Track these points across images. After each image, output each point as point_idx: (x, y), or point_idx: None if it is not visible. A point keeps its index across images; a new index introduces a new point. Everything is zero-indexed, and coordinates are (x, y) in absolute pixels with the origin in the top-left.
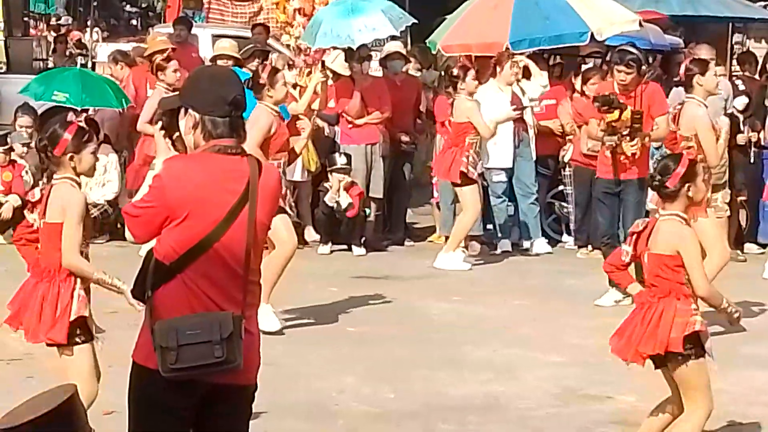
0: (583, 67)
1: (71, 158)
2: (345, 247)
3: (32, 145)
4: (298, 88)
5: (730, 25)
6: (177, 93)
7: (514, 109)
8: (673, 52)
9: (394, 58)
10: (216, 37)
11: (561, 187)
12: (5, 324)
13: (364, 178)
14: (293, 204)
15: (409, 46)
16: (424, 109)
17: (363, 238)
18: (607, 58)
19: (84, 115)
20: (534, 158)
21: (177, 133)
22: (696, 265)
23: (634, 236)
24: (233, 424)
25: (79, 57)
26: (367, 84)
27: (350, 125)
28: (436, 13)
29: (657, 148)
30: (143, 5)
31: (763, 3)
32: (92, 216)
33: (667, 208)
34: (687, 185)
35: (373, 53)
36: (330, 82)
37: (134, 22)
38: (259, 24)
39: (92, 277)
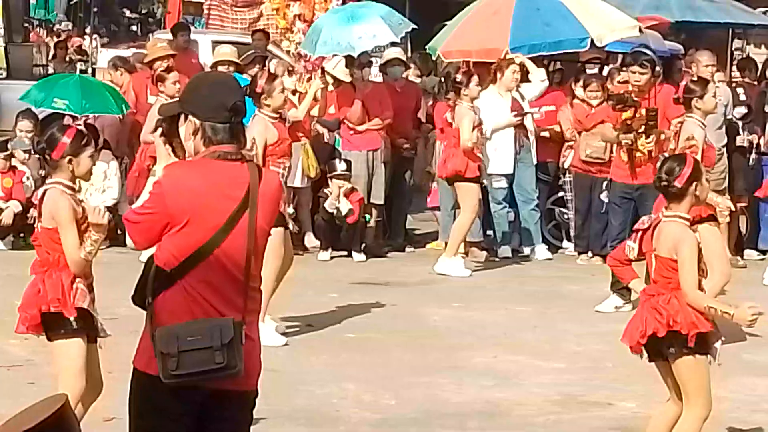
0: (585, 74)
1: (69, 161)
2: (345, 253)
3: (33, 150)
4: (297, 94)
5: (731, 31)
6: (177, 100)
7: (515, 115)
8: (674, 58)
9: (394, 64)
10: (216, 43)
11: (561, 194)
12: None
13: (365, 184)
14: (293, 212)
15: (409, 53)
16: (423, 115)
17: (363, 245)
18: (618, 62)
19: (83, 119)
20: (535, 164)
21: (177, 140)
22: (688, 267)
23: (639, 233)
24: (234, 430)
25: (79, 63)
26: (368, 90)
27: (351, 131)
28: (436, 20)
29: None
30: (143, 11)
31: (763, 9)
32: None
33: (671, 208)
34: (694, 184)
35: (373, 59)
36: (330, 88)
37: (134, 28)
38: (259, 30)
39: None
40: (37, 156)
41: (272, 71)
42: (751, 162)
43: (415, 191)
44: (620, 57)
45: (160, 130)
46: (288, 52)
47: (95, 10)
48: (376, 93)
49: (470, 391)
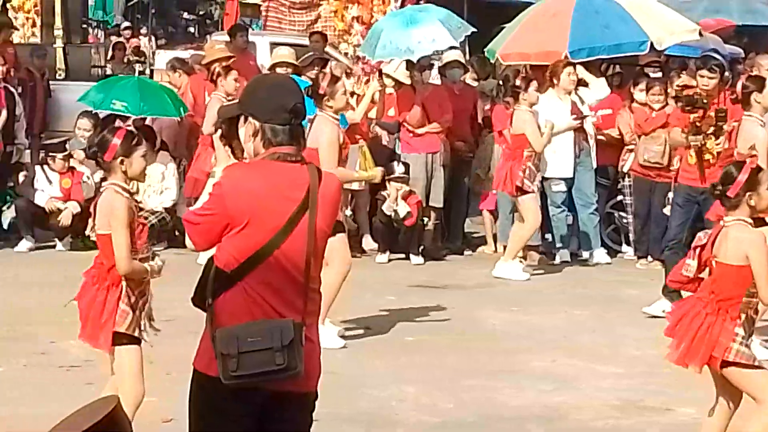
0: (646, 77)
1: (121, 162)
2: (403, 256)
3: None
4: (355, 96)
5: None
6: (236, 101)
7: (575, 119)
8: (734, 63)
9: (453, 67)
10: (274, 45)
11: (620, 197)
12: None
13: (423, 187)
14: (351, 214)
15: (467, 55)
16: (480, 118)
17: (421, 247)
18: (691, 65)
19: (132, 119)
20: (594, 168)
21: (236, 141)
22: (763, 272)
23: (698, 250)
24: (294, 431)
25: (137, 64)
26: (428, 93)
27: (411, 134)
28: (493, 22)
29: None
30: (200, 12)
31: None
32: (150, 223)
33: (730, 215)
34: (748, 194)
35: (432, 62)
36: (389, 90)
37: (191, 29)
38: (317, 32)
39: (148, 275)
40: (90, 158)
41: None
42: None
43: (473, 194)
44: (679, 61)
45: (219, 131)
46: (346, 54)
47: (153, 11)
48: (436, 96)
49: (528, 395)
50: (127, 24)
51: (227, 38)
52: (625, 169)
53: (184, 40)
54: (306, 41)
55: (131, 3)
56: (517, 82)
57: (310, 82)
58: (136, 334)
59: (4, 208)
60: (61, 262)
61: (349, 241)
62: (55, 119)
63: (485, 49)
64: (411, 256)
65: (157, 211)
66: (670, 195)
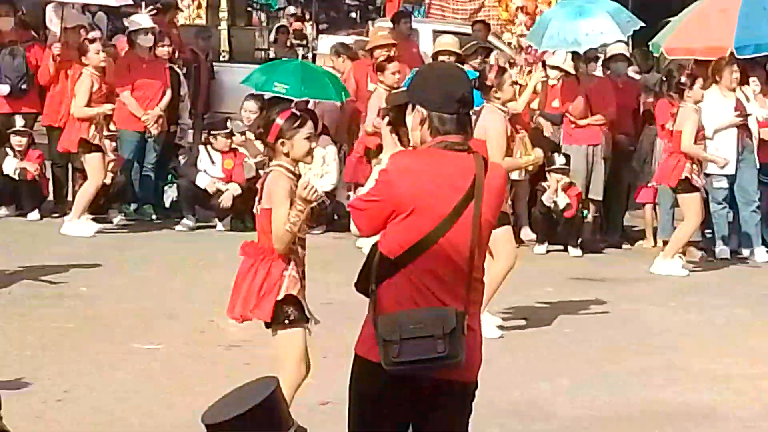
0: None
1: (282, 143)
2: (561, 247)
3: (247, 134)
4: (517, 86)
5: None
6: (405, 89)
7: (737, 116)
8: None
9: (617, 60)
10: (437, 33)
11: None
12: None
13: (583, 179)
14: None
15: (629, 48)
16: (641, 112)
17: (580, 240)
18: None
19: (294, 102)
20: (758, 166)
21: (404, 129)
22: None
23: None
24: (453, 421)
25: (299, 48)
26: (593, 85)
27: (573, 125)
28: (657, 16)
29: None
30: None
31: None
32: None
33: None
34: None
35: (597, 54)
36: (552, 81)
37: (353, 14)
38: (480, 21)
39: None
40: (255, 139)
41: (500, 64)
42: None
43: (632, 187)
44: None
45: (387, 119)
46: (509, 44)
47: None
48: (600, 88)
49: (687, 393)
50: (292, 9)
51: (390, 25)
52: None
53: (346, 25)
54: (469, 30)
55: None
56: (683, 79)
57: (477, 73)
58: (304, 306)
59: (166, 187)
60: (221, 242)
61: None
62: (217, 100)
63: (650, 43)
64: (569, 248)
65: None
66: None
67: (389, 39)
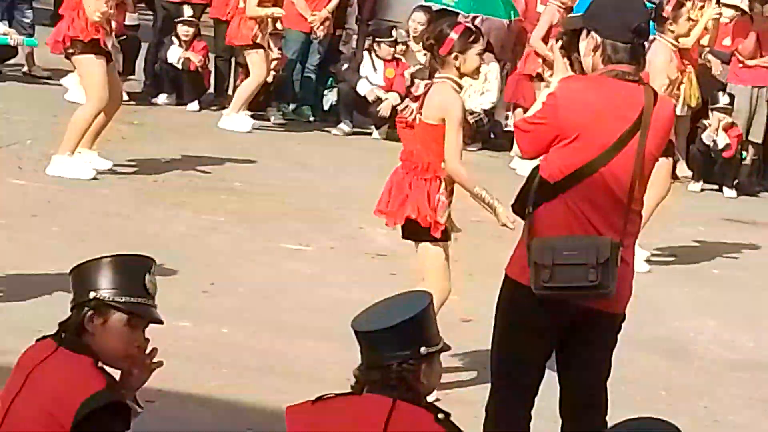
0: None
1: (455, 58)
2: (716, 187)
3: (410, 44)
4: (690, 22)
5: None
6: (580, 14)
7: None
8: None
9: None
10: None
11: None
12: (375, 214)
13: (746, 120)
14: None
15: None
16: None
17: (736, 181)
18: None
19: (470, 18)
20: None
21: (575, 54)
22: None
23: None
24: (597, 350)
25: None
26: (766, 26)
27: (741, 65)
28: None
29: None
30: None
31: None
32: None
33: None
34: None
35: None
36: (724, 20)
37: None
38: None
39: (471, 189)
40: (424, 49)
41: None
42: None
43: None
44: None
45: (560, 42)
46: None
47: None
48: None
49: None
50: None
51: None
52: None
53: None
54: None
55: None
56: None
57: (654, 5)
58: (450, 228)
59: (326, 91)
60: (376, 150)
61: None
62: (383, 8)
63: None
64: (724, 188)
65: (475, 112)
66: None
67: None
